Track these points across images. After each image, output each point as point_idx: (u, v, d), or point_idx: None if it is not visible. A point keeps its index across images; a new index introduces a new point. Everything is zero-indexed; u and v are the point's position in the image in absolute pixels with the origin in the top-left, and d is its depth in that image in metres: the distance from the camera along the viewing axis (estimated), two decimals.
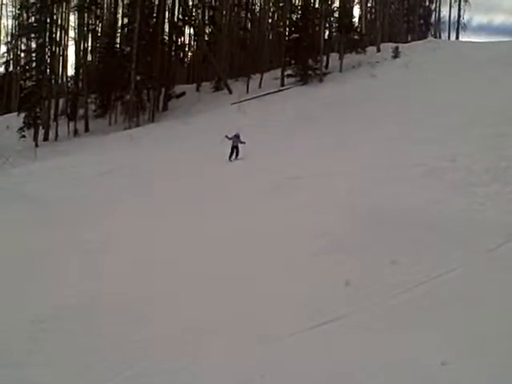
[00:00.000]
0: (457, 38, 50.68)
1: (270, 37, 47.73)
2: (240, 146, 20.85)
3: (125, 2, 43.28)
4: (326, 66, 36.91)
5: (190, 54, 53.13)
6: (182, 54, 48.75)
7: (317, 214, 10.86)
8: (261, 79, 37.43)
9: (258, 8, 49.64)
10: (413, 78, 27.26)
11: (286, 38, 38.40)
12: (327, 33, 41.35)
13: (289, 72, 35.50)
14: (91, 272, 9.42)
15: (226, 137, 20.87)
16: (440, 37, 54.64)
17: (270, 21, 48.49)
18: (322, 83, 33.15)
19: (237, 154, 20.89)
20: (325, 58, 36.81)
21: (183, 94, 41.76)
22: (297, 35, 35.90)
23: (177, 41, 44.07)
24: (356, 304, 6.74)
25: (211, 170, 18.13)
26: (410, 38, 48.79)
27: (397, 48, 35.23)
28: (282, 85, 35.25)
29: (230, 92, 37.55)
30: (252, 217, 11.58)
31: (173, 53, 43.11)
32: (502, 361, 5.19)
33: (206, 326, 6.72)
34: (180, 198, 14.31)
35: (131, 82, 34.90)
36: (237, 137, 21.04)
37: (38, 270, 9.72)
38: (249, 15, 49.44)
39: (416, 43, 39.59)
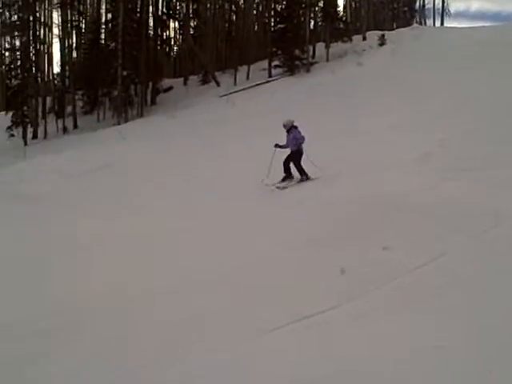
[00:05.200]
0: (441, 24, 50.84)
1: (256, 28, 47.64)
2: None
3: None
4: (313, 56, 37.01)
5: (175, 47, 53.04)
6: (167, 48, 48.70)
7: (309, 205, 10.92)
8: (248, 71, 37.44)
9: (242, 0, 49.55)
10: (399, 64, 27.37)
11: (272, 29, 38.42)
12: (313, 22, 41.46)
13: (276, 63, 35.52)
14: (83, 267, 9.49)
15: (277, 146, 13.39)
16: (425, 23, 54.89)
17: (254, 12, 48.38)
18: (310, 73, 33.21)
19: (302, 172, 13.18)
20: (311, 47, 36.89)
21: (171, 88, 41.76)
22: (282, 26, 35.95)
23: (162, 35, 44.04)
24: (352, 292, 6.76)
25: (205, 164, 17.93)
26: (395, 26, 48.93)
27: (382, 36, 35.33)
28: (270, 76, 35.30)
29: (218, 84, 37.55)
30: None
31: (158, 47, 43.03)
32: (492, 344, 5.26)
33: (196, 319, 6.75)
34: (170, 195, 14.28)
35: (118, 77, 34.80)
36: (294, 128, 13.35)
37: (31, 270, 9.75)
38: (233, 7, 49.38)
39: (401, 30, 39.71)
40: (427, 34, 35.28)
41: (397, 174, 11.80)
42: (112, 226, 12.15)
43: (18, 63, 37.92)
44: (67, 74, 44.01)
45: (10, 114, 35.81)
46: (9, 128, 34.97)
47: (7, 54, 45.19)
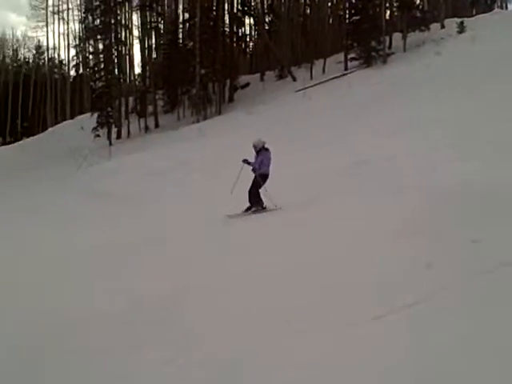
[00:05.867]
0: None
1: (331, 21, 47.39)
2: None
3: None
4: (389, 47, 36.44)
5: (251, 44, 53.56)
6: (243, 45, 49.26)
7: (388, 196, 10.90)
8: (324, 64, 37.43)
9: None
10: (481, 53, 26.50)
11: (347, 21, 38.19)
12: (388, 12, 40.79)
13: (352, 55, 35.27)
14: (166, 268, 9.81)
15: (246, 162, 12.23)
16: (506, 8, 52.76)
17: (329, 5, 48.15)
18: (386, 64, 32.74)
19: (258, 201, 12.14)
20: (387, 38, 36.32)
21: (248, 84, 42.28)
22: (357, 17, 35.62)
23: (238, 32, 44.61)
24: (440, 286, 6.68)
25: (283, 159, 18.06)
26: (474, 12, 47.28)
27: (462, 23, 34.26)
28: (346, 68, 35.13)
29: (294, 79, 37.71)
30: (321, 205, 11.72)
31: (234, 44, 43.61)
32: None
33: (280, 315, 6.89)
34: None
35: (196, 75, 35.65)
36: (265, 150, 12.24)
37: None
38: (308, 1, 49.31)
39: (482, 16, 38.37)
40: (510, 19, 33.97)
41: (478, 165, 11.58)
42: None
43: (102, 65, 39.40)
44: (147, 74, 45.44)
45: (95, 115, 37.37)
46: (94, 129, 36.53)
47: (91, 57, 47.01)
